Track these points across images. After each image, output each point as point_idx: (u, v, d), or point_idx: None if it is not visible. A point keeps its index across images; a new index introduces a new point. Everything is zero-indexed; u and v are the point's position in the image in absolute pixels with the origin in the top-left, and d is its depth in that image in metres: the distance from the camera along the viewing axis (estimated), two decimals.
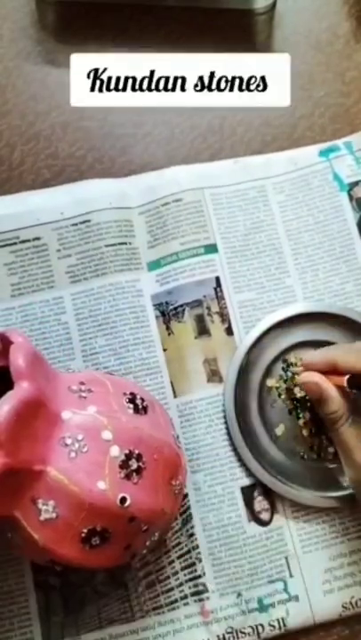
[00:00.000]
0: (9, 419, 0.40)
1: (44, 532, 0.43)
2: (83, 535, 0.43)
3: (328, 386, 0.52)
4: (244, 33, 0.66)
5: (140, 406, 0.48)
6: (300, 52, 0.66)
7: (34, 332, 0.59)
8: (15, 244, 0.60)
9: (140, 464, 0.45)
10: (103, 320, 0.59)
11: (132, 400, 0.48)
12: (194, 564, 0.55)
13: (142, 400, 0.49)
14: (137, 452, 0.45)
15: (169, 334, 0.59)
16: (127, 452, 0.45)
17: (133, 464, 0.45)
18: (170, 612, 0.54)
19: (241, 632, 0.54)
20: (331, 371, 0.52)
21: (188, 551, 0.55)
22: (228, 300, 0.60)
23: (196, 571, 0.55)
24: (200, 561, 0.55)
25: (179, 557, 0.55)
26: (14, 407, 0.40)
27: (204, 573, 0.55)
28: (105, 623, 0.54)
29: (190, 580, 0.55)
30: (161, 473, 0.47)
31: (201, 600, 0.54)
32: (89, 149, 0.64)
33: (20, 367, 0.42)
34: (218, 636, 0.53)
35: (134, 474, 0.45)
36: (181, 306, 0.59)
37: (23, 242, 0.60)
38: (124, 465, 0.44)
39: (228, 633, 0.54)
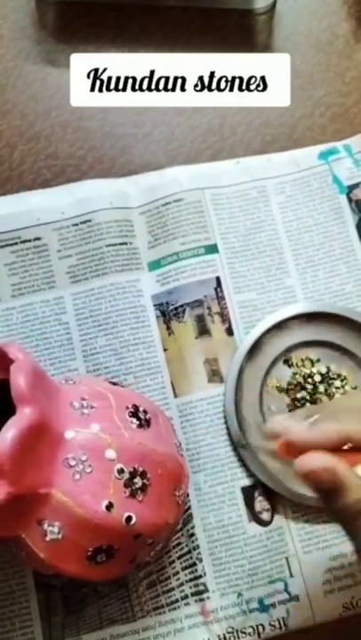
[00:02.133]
0: (13, 447, 0.39)
1: (49, 552, 0.43)
2: (88, 554, 0.43)
3: (343, 468, 0.37)
4: (244, 33, 0.66)
5: (143, 419, 0.47)
6: (300, 52, 0.66)
7: (34, 332, 0.59)
8: (16, 244, 0.60)
9: (145, 481, 0.45)
10: (104, 320, 0.59)
11: (135, 413, 0.47)
12: (194, 564, 0.55)
13: (145, 412, 0.48)
14: (141, 469, 0.45)
15: (169, 334, 0.59)
16: (131, 469, 0.44)
17: (138, 482, 0.44)
18: (170, 612, 0.54)
19: (242, 632, 0.54)
20: (338, 448, 0.39)
21: (189, 551, 0.55)
22: (228, 301, 0.60)
23: (196, 571, 0.55)
24: (201, 561, 0.55)
25: (179, 557, 0.55)
26: (17, 435, 0.39)
27: (204, 573, 0.55)
28: (106, 623, 0.54)
29: (191, 580, 0.55)
30: (165, 487, 0.47)
31: (202, 600, 0.54)
32: (89, 149, 0.64)
33: (22, 390, 0.41)
34: (218, 636, 0.53)
35: (139, 491, 0.44)
36: (182, 306, 0.59)
37: (24, 242, 0.60)
38: (129, 483, 0.44)
39: (229, 633, 0.54)
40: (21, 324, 0.59)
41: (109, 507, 0.43)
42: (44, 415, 0.42)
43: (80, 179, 0.63)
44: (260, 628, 0.54)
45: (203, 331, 0.59)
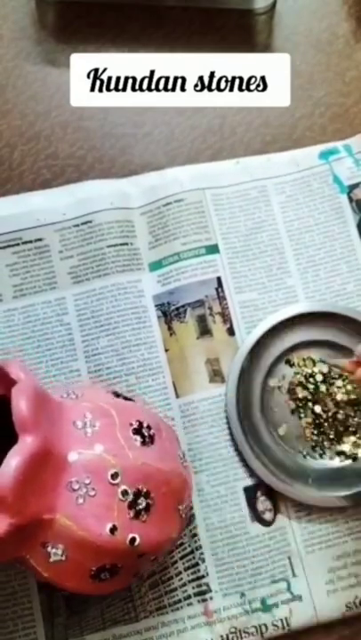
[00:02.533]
0: (15, 478, 0.39)
1: (53, 572, 0.43)
2: (92, 572, 0.43)
3: None
4: (244, 33, 0.66)
5: (147, 436, 0.47)
6: (300, 52, 0.66)
7: (36, 333, 0.59)
8: (17, 245, 0.60)
9: (149, 501, 0.45)
10: (105, 321, 0.59)
11: (139, 430, 0.47)
12: (197, 564, 0.55)
13: (149, 428, 0.48)
14: (145, 489, 0.44)
15: (171, 335, 0.59)
16: (135, 490, 0.44)
17: (142, 502, 0.44)
18: (173, 613, 0.54)
19: (244, 632, 0.54)
20: None
21: (192, 551, 0.55)
22: (229, 301, 0.60)
23: (199, 571, 0.55)
24: (203, 561, 0.55)
25: (182, 558, 0.55)
26: (20, 465, 0.39)
27: (207, 573, 0.55)
28: (108, 624, 0.54)
29: (193, 580, 0.55)
30: (169, 504, 0.47)
31: (204, 600, 0.54)
32: (89, 149, 0.64)
33: (24, 417, 0.40)
34: (221, 636, 0.53)
35: (143, 512, 0.44)
36: (183, 306, 0.59)
37: (25, 243, 0.60)
38: (133, 504, 0.44)
39: (232, 633, 0.54)
40: (23, 325, 0.59)
41: (113, 529, 0.42)
42: (47, 441, 0.41)
43: (80, 179, 0.63)
44: (263, 628, 0.54)
45: (204, 331, 0.59)
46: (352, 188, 0.63)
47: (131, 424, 0.47)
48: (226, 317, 0.59)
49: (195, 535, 0.55)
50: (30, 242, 0.60)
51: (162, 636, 0.54)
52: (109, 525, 0.42)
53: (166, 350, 0.59)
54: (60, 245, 0.60)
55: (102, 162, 0.64)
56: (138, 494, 0.44)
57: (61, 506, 0.42)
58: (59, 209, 0.61)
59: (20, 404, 0.40)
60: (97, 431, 0.45)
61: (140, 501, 0.44)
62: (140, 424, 0.47)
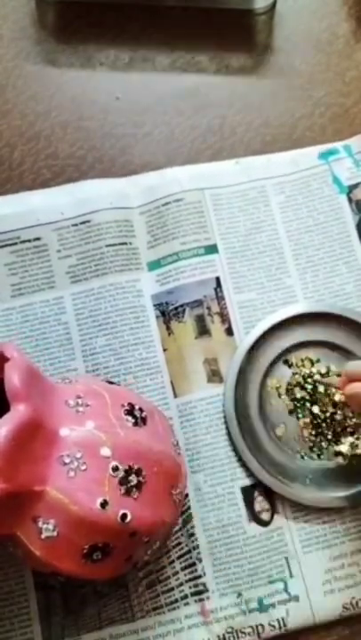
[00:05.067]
0: (6, 444, 0.39)
1: (45, 550, 0.43)
2: (84, 551, 0.43)
3: None
4: (244, 33, 0.66)
5: (139, 417, 0.47)
6: (300, 52, 0.66)
7: (34, 332, 0.59)
8: (16, 244, 0.60)
9: (140, 479, 0.45)
10: (103, 320, 0.59)
11: (131, 411, 0.47)
12: (194, 564, 0.55)
13: (141, 410, 0.48)
14: (136, 466, 0.45)
15: (169, 334, 0.59)
16: (127, 467, 0.44)
17: (133, 479, 0.44)
18: (170, 612, 0.54)
19: (241, 632, 0.54)
20: None
21: (189, 551, 0.55)
22: (228, 301, 0.60)
23: (196, 571, 0.55)
24: (200, 561, 0.55)
25: (179, 557, 0.55)
26: (11, 432, 0.40)
27: (204, 573, 0.55)
28: (105, 623, 0.54)
29: (190, 579, 0.55)
30: (161, 485, 0.47)
31: (201, 600, 0.54)
32: (89, 149, 0.64)
33: (16, 388, 0.41)
34: (218, 636, 0.53)
35: (134, 489, 0.44)
36: (182, 306, 0.59)
37: (23, 242, 0.60)
38: (124, 481, 0.44)
39: (229, 633, 0.54)
40: (21, 324, 0.59)
41: (104, 504, 0.43)
42: (38, 412, 0.42)
43: (80, 179, 0.63)
44: (260, 629, 0.54)
45: (202, 331, 0.59)
46: (352, 188, 0.63)
47: (122, 405, 0.47)
48: (224, 317, 0.59)
49: (192, 535, 0.55)
50: (28, 241, 0.60)
51: (158, 636, 0.54)
52: (100, 500, 0.42)
53: (164, 350, 0.59)
54: (59, 245, 0.60)
55: (102, 162, 0.64)
56: (129, 471, 0.44)
57: (52, 478, 0.42)
58: (57, 208, 0.61)
59: (13, 377, 0.41)
60: (88, 410, 0.46)
61: (131, 478, 0.44)
62: (132, 406, 0.48)
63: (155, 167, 0.63)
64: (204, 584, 0.54)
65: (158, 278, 0.60)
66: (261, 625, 0.54)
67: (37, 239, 0.60)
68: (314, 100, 0.65)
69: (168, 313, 0.59)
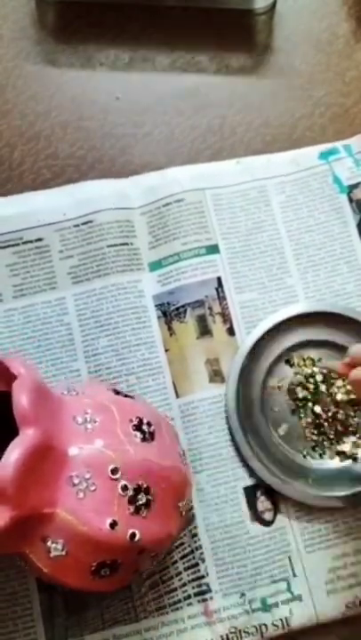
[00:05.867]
0: (16, 470, 0.39)
1: (53, 567, 0.43)
2: (92, 568, 0.43)
3: None
4: (244, 33, 0.66)
5: (148, 432, 0.47)
6: (301, 52, 0.66)
7: (36, 333, 0.59)
8: (18, 245, 0.60)
9: (149, 497, 0.45)
10: (105, 321, 0.59)
11: (139, 426, 0.47)
12: (197, 564, 0.55)
13: (149, 425, 0.48)
14: (145, 485, 0.44)
15: (171, 335, 0.59)
16: (135, 486, 0.44)
17: (142, 498, 0.44)
18: (173, 613, 0.54)
19: (245, 632, 0.54)
20: None
21: (192, 551, 0.55)
22: (229, 301, 0.60)
23: (199, 571, 0.55)
24: (203, 561, 0.55)
25: (182, 558, 0.55)
26: (21, 457, 0.39)
27: (207, 573, 0.55)
28: (108, 624, 0.54)
29: (193, 580, 0.55)
30: (170, 501, 0.47)
31: (204, 600, 0.54)
32: (89, 149, 0.64)
33: (25, 410, 0.40)
34: (221, 636, 0.53)
35: (143, 507, 0.44)
36: (183, 306, 0.59)
37: (25, 243, 0.60)
38: (133, 500, 0.44)
39: (232, 633, 0.54)
40: (23, 325, 0.59)
41: (113, 524, 0.42)
42: (47, 434, 0.41)
43: (80, 179, 0.63)
44: (263, 628, 0.54)
45: (204, 331, 0.59)
46: (352, 188, 0.63)
47: (131, 420, 0.47)
48: (226, 317, 0.59)
49: (195, 535, 0.55)
50: (30, 242, 0.60)
51: (162, 636, 0.54)
52: (110, 520, 0.42)
53: (166, 350, 0.59)
54: (61, 245, 0.60)
55: (102, 162, 0.64)
56: (138, 490, 0.44)
57: (62, 500, 0.42)
58: (59, 209, 0.61)
59: (21, 398, 0.40)
60: (97, 427, 0.45)
61: (140, 497, 0.44)
62: (140, 420, 0.47)
63: (155, 167, 0.63)
64: (207, 584, 0.54)
65: (159, 279, 0.60)
66: (265, 625, 0.54)
67: (39, 240, 0.60)
68: (314, 100, 0.65)
69: (169, 313, 0.59)
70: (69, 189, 0.62)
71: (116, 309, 0.59)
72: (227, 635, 0.54)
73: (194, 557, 0.55)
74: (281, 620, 0.54)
